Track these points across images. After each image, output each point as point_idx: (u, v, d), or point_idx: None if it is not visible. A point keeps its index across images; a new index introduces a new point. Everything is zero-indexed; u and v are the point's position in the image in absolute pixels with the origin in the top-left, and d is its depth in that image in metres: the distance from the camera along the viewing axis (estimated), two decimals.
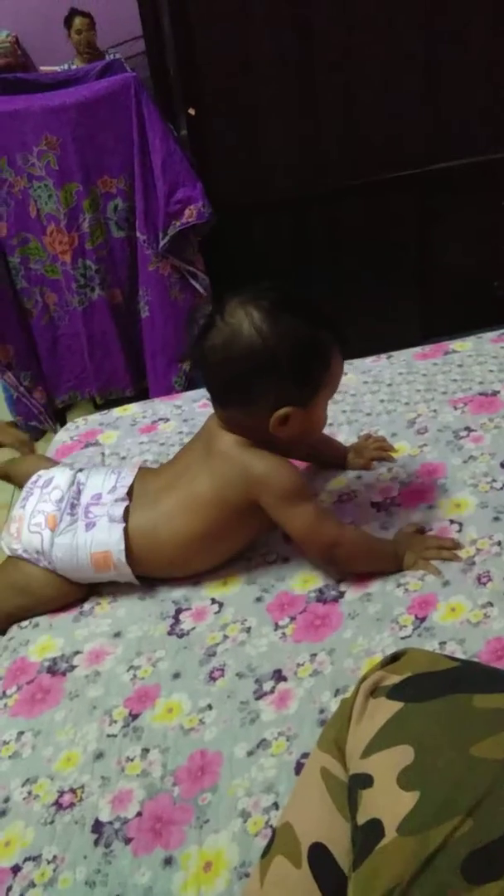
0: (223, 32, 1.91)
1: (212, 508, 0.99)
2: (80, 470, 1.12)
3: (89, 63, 3.10)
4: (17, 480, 1.22)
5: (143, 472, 1.11)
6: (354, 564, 1.00)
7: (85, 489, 1.07)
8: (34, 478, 1.12)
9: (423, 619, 0.91)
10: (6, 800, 0.81)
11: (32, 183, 1.95)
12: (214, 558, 1.05)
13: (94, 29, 3.70)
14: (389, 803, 0.54)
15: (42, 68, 3.99)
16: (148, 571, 1.04)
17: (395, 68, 2.00)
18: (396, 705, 0.60)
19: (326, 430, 1.29)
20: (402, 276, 2.30)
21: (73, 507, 1.05)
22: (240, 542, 1.06)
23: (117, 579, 1.05)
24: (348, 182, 2.14)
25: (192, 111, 1.98)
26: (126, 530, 1.01)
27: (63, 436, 1.48)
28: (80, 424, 1.50)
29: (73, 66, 3.32)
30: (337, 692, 0.85)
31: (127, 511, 1.03)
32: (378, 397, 1.38)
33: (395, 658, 0.66)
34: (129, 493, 1.05)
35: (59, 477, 1.09)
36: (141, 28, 2.15)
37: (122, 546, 1.01)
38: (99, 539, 1.02)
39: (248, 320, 0.91)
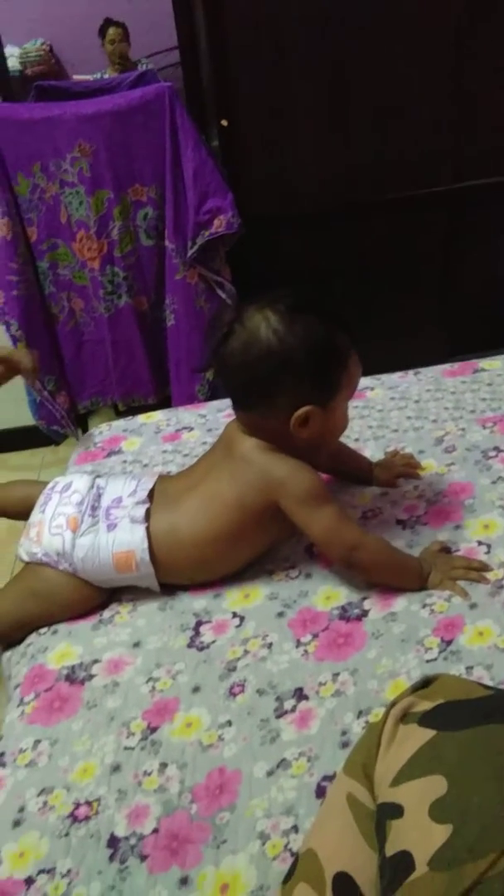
0: (258, 47, 1.91)
1: (232, 510, 1.00)
2: (99, 476, 1.13)
3: (121, 72, 3.12)
4: (8, 511, 1.20)
5: (163, 478, 1.12)
6: (375, 572, 0.99)
7: (105, 493, 1.08)
8: (51, 484, 1.12)
9: (449, 643, 0.89)
10: (21, 809, 0.80)
11: (64, 189, 1.96)
12: (234, 561, 1.05)
13: (127, 39, 3.74)
14: (420, 836, 0.52)
15: (74, 76, 4.04)
16: (168, 574, 1.04)
17: (426, 86, 2.00)
18: (428, 733, 0.58)
19: (352, 446, 1.29)
20: (429, 291, 2.28)
21: (93, 509, 1.05)
22: (259, 545, 1.06)
23: (138, 583, 1.04)
24: (376, 197, 2.13)
25: (224, 123, 1.98)
26: (148, 530, 1.02)
27: (87, 442, 1.47)
28: (103, 430, 1.50)
29: (106, 76, 3.35)
30: (360, 714, 0.83)
31: (148, 513, 1.03)
32: (405, 414, 1.37)
33: (426, 683, 0.65)
34: (150, 497, 1.05)
35: (78, 482, 1.10)
36: (172, 39, 2.16)
37: (146, 545, 1.01)
38: (121, 539, 1.02)
39: (265, 323, 0.93)
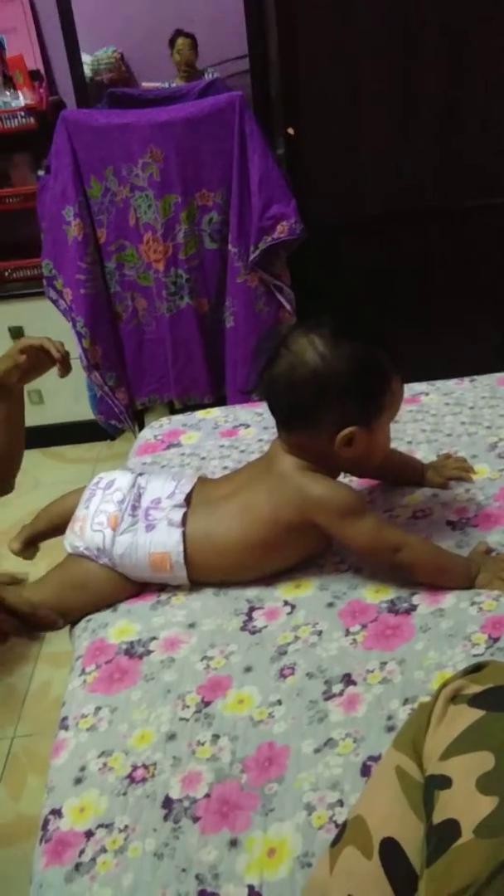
0: (326, 56, 1.96)
1: (267, 523, 1.04)
2: (141, 474, 1.16)
3: (187, 80, 3.21)
4: (62, 528, 1.20)
5: (203, 480, 1.16)
6: (421, 572, 1.02)
7: (145, 493, 1.12)
8: (95, 479, 1.17)
9: (496, 640, 0.91)
10: (82, 768, 0.86)
11: (134, 193, 2.04)
12: (265, 570, 1.09)
13: (195, 49, 3.85)
14: (467, 806, 0.56)
15: (143, 84, 4.17)
16: (200, 575, 1.08)
17: (493, 95, 2.01)
18: (478, 713, 0.61)
19: (404, 449, 1.32)
20: (492, 299, 2.29)
21: (133, 508, 1.10)
22: (291, 558, 1.09)
23: (170, 581, 1.09)
24: (438, 205, 2.15)
25: (291, 131, 2.03)
26: (184, 534, 1.06)
27: (147, 434, 1.54)
28: (164, 423, 1.56)
29: (174, 84, 3.45)
30: (406, 701, 0.86)
31: (185, 516, 1.08)
32: (459, 419, 1.39)
33: (477, 668, 0.68)
34: (188, 500, 1.10)
35: (121, 479, 1.14)
36: (237, 49, 2.24)
37: (181, 548, 1.06)
38: (158, 540, 1.06)
39: (310, 347, 0.96)
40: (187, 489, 1.11)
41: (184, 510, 1.08)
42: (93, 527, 1.10)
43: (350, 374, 0.96)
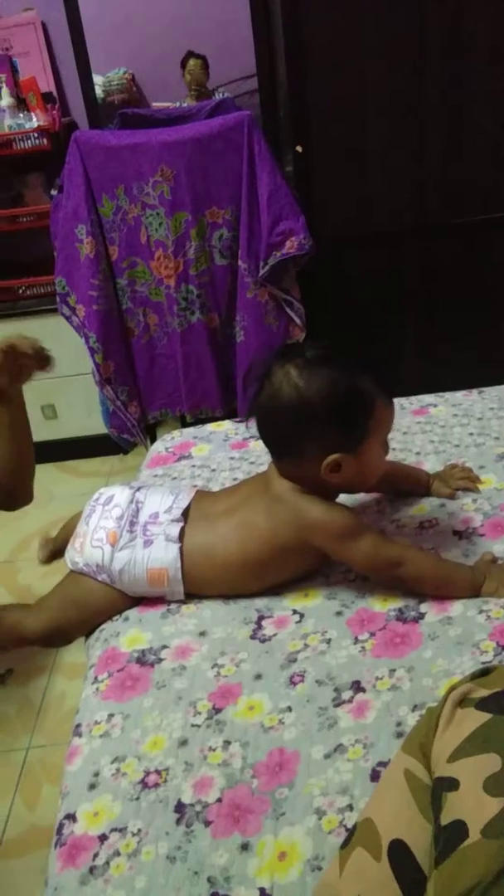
0: (334, 75, 2.00)
1: (264, 542, 1.05)
2: (139, 489, 1.18)
3: (198, 100, 3.27)
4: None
5: (201, 495, 1.17)
6: (423, 585, 1.03)
7: (143, 508, 1.13)
8: (95, 496, 1.19)
9: None
10: (96, 774, 0.87)
11: (145, 211, 2.08)
12: (261, 585, 1.10)
13: (206, 70, 3.92)
14: (475, 807, 0.57)
15: (154, 104, 4.24)
16: (197, 588, 1.10)
17: (498, 110, 2.04)
18: (485, 716, 0.63)
19: (412, 460, 1.33)
20: (499, 314, 2.30)
21: (132, 524, 1.12)
22: (287, 574, 1.11)
23: (168, 596, 1.11)
24: (446, 220, 2.17)
25: (299, 148, 2.07)
26: (181, 549, 1.08)
27: (159, 446, 1.56)
28: (175, 436, 1.58)
29: (185, 104, 3.51)
30: (415, 708, 0.87)
31: (182, 531, 1.09)
32: (467, 430, 1.40)
33: (484, 673, 0.69)
34: (185, 514, 1.11)
35: (119, 495, 1.16)
36: (246, 69, 2.28)
37: (179, 564, 1.08)
38: (156, 556, 1.08)
39: (286, 379, 0.97)
40: (185, 504, 1.13)
41: (181, 525, 1.10)
42: (92, 543, 1.12)
43: (326, 404, 0.96)
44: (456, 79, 2.00)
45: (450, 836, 0.57)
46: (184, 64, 4.00)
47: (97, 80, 2.79)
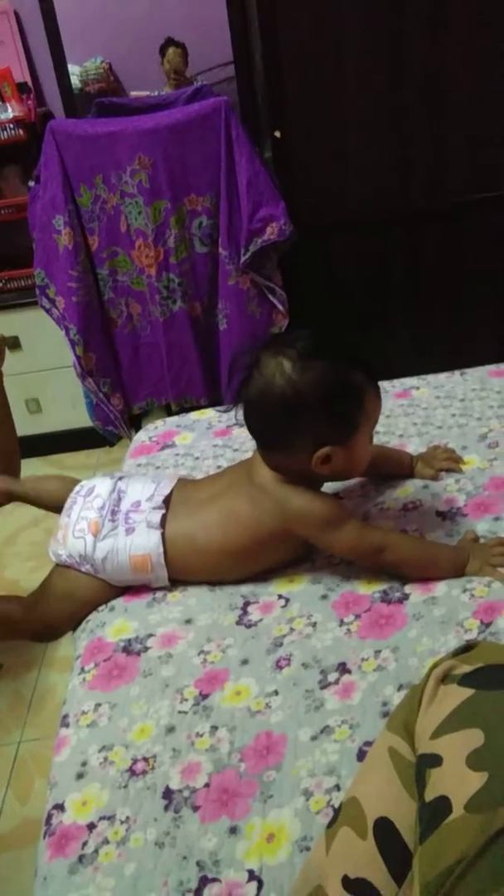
0: (312, 60, 1.98)
1: (247, 529, 1.05)
2: (121, 478, 1.18)
3: (177, 88, 3.24)
4: (42, 502, 1.25)
5: (183, 482, 1.17)
6: (408, 568, 1.03)
7: (125, 497, 1.13)
8: (77, 488, 1.19)
9: (488, 624, 0.93)
10: (84, 763, 0.87)
11: (124, 200, 2.06)
12: (244, 572, 1.10)
13: (185, 58, 3.88)
14: (458, 782, 0.57)
15: (132, 93, 4.21)
16: (180, 574, 1.10)
17: (482, 94, 2.03)
18: (467, 692, 0.63)
19: (395, 442, 1.33)
20: (484, 299, 2.30)
21: (113, 513, 1.11)
22: (270, 561, 1.11)
23: (152, 583, 1.11)
24: (428, 202, 2.17)
25: (278, 134, 2.06)
26: (164, 536, 1.08)
27: (142, 436, 1.55)
28: (158, 426, 1.57)
29: (163, 92, 3.48)
30: (400, 687, 0.87)
31: (164, 518, 1.09)
32: (450, 412, 1.41)
33: (467, 648, 0.69)
34: (167, 502, 1.11)
35: (101, 486, 1.16)
36: (225, 55, 2.26)
37: (161, 550, 1.07)
38: (138, 543, 1.08)
39: (278, 370, 0.96)
40: (166, 491, 1.12)
41: (162, 512, 1.10)
42: (74, 534, 1.11)
43: (320, 397, 0.95)
44: (436, 60, 1.99)
45: (434, 813, 0.57)
46: (163, 52, 3.96)
47: (74, 69, 2.76)
